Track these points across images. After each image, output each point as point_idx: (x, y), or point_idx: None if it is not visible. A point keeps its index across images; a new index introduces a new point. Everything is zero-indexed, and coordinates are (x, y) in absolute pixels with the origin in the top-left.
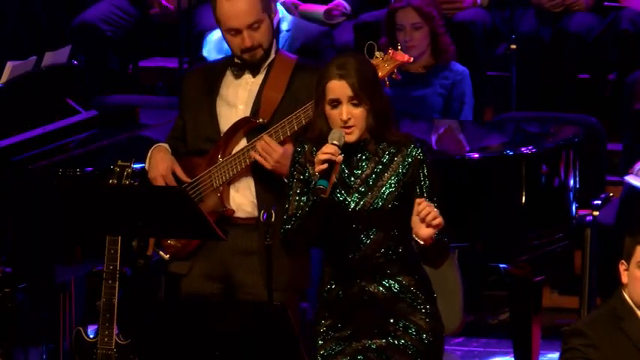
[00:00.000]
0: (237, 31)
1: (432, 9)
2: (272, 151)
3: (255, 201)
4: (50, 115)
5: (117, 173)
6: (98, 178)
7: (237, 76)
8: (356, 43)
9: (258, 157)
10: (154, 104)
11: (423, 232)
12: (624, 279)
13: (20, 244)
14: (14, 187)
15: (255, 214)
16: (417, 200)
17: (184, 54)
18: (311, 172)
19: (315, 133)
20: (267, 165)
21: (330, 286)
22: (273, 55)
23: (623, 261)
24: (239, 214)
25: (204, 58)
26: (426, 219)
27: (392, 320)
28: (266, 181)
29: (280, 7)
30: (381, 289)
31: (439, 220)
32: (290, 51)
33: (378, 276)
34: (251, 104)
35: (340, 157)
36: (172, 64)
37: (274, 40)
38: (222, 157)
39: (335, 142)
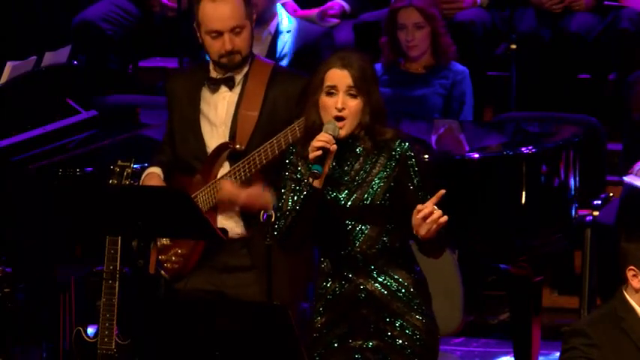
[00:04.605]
0: (219, 34)
1: (434, 9)
2: (234, 199)
3: (243, 223)
4: (50, 115)
5: (117, 173)
6: (98, 178)
7: (214, 90)
8: (356, 43)
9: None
10: (154, 104)
11: (424, 231)
12: (635, 285)
13: (20, 244)
14: (14, 187)
15: (245, 232)
16: (418, 207)
17: (184, 54)
18: (303, 172)
19: (307, 123)
20: (235, 207)
21: (327, 283)
22: (247, 68)
23: (632, 267)
24: (229, 235)
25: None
26: (430, 219)
27: (388, 319)
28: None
29: (280, 9)
30: (378, 286)
31: (444, 218)
32: (291, 51)
33: (375, 273)
34: (229, 125)
35: (334, 147)
36: (172, 64)
37: (251, 50)
38: (206, 182)
39: (330, 133)
